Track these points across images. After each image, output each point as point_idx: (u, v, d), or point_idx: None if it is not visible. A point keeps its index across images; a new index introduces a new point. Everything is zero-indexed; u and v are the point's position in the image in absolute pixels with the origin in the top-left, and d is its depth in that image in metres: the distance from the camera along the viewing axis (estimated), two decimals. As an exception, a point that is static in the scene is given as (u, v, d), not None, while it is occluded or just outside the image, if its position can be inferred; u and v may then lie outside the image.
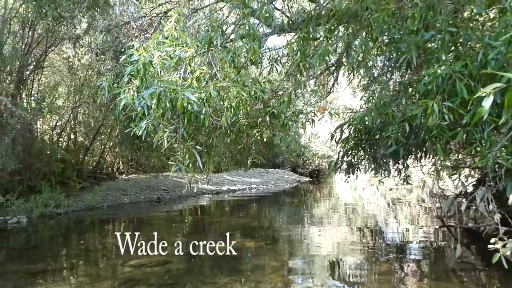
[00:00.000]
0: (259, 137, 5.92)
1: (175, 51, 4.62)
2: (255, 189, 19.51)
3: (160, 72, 5.03)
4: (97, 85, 8.46)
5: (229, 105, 4.74)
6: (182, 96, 4.23)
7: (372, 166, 7.01)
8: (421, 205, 12.72)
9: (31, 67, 13.75)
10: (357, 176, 7.63)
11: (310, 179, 27.01)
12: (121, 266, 5.50)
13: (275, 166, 28.74)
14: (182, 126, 4.59)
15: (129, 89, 4.94)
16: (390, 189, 17.12)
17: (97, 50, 10.86)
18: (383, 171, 6.77)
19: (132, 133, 5.19)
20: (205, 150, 6.74)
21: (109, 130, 16.42)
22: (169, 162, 4.52)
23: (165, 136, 4.65)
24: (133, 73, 4.81)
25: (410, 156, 6.61)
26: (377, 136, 6.97)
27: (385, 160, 6.72)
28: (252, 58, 4.62)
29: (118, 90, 4.89)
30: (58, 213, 11.35)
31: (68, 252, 6.63)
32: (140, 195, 15.01)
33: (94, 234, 8.64)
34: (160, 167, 18.02)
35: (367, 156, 7.37)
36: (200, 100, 4.39)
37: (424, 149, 5.74)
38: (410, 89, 5.29)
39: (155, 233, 7.80)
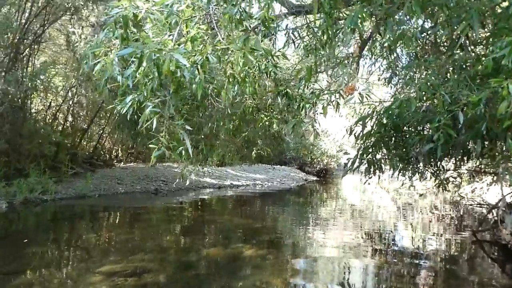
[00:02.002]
0: (267, 123, 4.84)
1: (166, 1, 3.57)
2: (260, 186, 18.47)
3: (150, 34, 4.02)
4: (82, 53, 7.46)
5: (232, 78, 3.69)
6: (170, 58, 3.18)
7: (400, 166, 5.93)
8: (433, 212, 11.61)
9: (28, 41, 12.80)
10: (379, 177, 6.59)
11: (318, 179, 25.90)
12: (89, 273, 4.44)
13: (282, 163, 27.66)
14: (169, 98, 3.55)
15: (107, 51, 3.91)
16: (420, 195, 14.94)
17: (95, 23, 9.89)
18: (414, 173, 5.68)
19: (127, 116, 4.19)
20: (204, 140, 5.73)
21: (108, 114, 15.41)
22: (150, 145, 3.48)
23: (148, 113, 3.62)
24: (111, 30, 3.78)
25: (450, 157, 5.54)
26: (407, 131, 5.94)
27: (418, 160, 5.62)
28: (265, 17, 3.54)
29: (91, 50, 3.86)
30: (44, 200, 10.38)
31: (35, 249, 5.57)
32: (136, 185, 14.03)
33: (75, 227, 7.64)
34: (159, 156, 16.95)
35: (391, 155, 6.31)
36: (194, 65, 3.34)
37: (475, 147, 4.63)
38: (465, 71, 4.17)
39: (143, 231, 6.81)
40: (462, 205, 12.38)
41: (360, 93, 3.68)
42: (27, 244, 5.90)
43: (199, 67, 3.29)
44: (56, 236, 6.59)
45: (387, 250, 6.51)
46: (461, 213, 10.77)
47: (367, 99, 4.35)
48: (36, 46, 13.24)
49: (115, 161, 17.42)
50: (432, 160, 5.42)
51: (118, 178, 14.37)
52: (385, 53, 6.32)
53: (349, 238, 7.08)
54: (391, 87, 7.49)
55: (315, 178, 25.55)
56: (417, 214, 11.32)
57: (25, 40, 12.67)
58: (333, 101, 3.94)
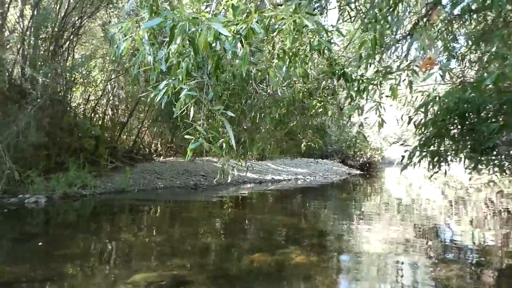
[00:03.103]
0: (321, 110, 4.16)
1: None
2: (302, 180, 17.75)
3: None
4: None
5: (282, 53, 3.05)
6: (208, 28, 2.58)
7: (474, 158, 5.09)
8: (488, 207, 10.51)
9: (67, 34, 12.69)
10: (445, 171, 5.79)
11: (361, 172, 24.85)
12: (120, 282, 3.95)
13: (323, 156, 26.76)
14: (207, 78, 2.96)
15: (135, 26, 3.36)
16: (498, 192, 13.43)
17: (131, 13, 9.51)
18: (493, 167, 4.85)
19: (162, 105, 3.67)
20: (245, 132, 5.13)
21: (147, 107, 15.15)
22: (185, 136, 2.91)
23: (183, 98, 3.05)
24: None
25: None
26: (482, 117, 5.11)
27: (498, 151, 4.77)
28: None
29: (117, 26, 3.33)
30: (84, 195, 10.17)
31: (66, 250, 5.19)
32: (176, 180, 13.70)
33: (112, 225, 7.28)
34: (199, 150, 16.58)
35: (461, 146, 5.49)
36: (237, 37, 2.73)
37: None
38: None
39: (181, 230, 6.35)
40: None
41: (441, 68, 2.94)
42: (61, 244, 5.56)
43: (242, 38, 2.67)
44: (90, 236, 6.23)
45: (444, 249, 5.86)
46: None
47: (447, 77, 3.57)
48: (75, 39, 13.13)
49: (154, 155, 17.23)
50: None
51: (157, 172, 14.10)
52: (446, 29, 5.50)
53: (401, 236, 6.33)
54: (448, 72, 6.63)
55: (358, 172, 24.51)
56: (473, 209, 10.28)
57: (64, 33, 12.57)
58: (405, 80, 3.22)
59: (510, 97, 4.07)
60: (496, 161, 4.79)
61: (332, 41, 3.76)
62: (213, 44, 2.77)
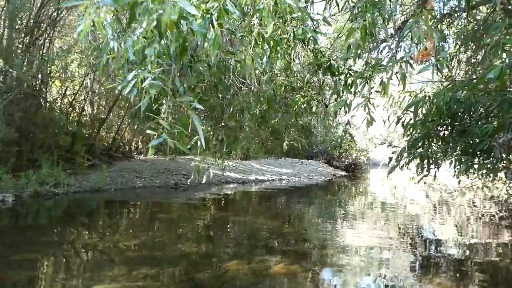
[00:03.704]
0: (304, 106, 3.79)
1: None
2: (286, 181, 17.43)
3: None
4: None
5: (260, 39, 2.68)
6: (173, 4, 2.19)
7: (464, 162, 4.80)
8: (472, 210, 10.34)
9: (44, 26, 12.11)
10: (435, 174, 5.54)
11: (346, 173, 24.68)
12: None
13: (308, 157, 26.49)
14: (175, 64, 2.58)
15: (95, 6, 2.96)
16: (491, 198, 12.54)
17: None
18: (487, 171, 4.56)
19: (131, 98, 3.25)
20: (225, 128, 4.78)
21: (127, 103, 14.62)
22: (147, 131, 2.52)
23: (147, 88, 2.66)
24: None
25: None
26: (475, 117, 4.85)
27: (491, 153, 4.48)
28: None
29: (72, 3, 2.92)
30: (56, 193, 9.65)
31: (25, 255, 4.70)
32: (155, 179, 13.24)
33: (81, 227, 6.79)
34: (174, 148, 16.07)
35: (451, 148, 5.22)
36: (207, 17, 2.34)
37: None
38: None
39: (154, 234, 5.94)
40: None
41: (439, 59, 2.59)
42: (19, 246, 5.09)
43: (213, 18, 2.29)
44: (55, 239, 5.78)
45: (428, 255, 5.66)
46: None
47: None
48: (52, 32, 12.55)
49: (135, 153, 16.71)
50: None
51: (136, 171, 13.63)
52: (435, 28, 5.21)
53: (385, 241, 6.07)
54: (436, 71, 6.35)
55: (343, 173, 24.36)
56: (457, 212, 10.08)
57: (40, 25, 12.00)
58: (397, 73, 2.87)
59: (507, 97, 3.78)
60: (489, 165, 4.49)
61: (318, 30, 3.41)
62: (180, 26, 2.39)
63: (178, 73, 2.80)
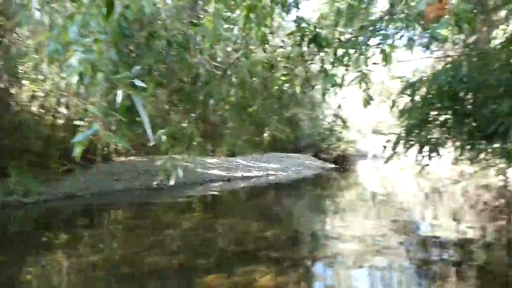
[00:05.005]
0: (286, 87, 3.15)
1: None
2: (274, 176, 16.81)
3: None
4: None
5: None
6: None
7: (473, 147, 4.24)
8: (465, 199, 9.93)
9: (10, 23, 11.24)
10: (436, 163, 5.00)
11: (335, 166, 24.17)
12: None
13: (296, 150, 25.92)
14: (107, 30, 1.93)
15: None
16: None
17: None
18: (501, 156, 3.99)
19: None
20: (196, 120, 4.12)
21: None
22: (76, 123, 1.89)
23: (75, 64, 2.01)
24: None
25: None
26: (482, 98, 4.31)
27: (505, 138, 3.90)
28: None
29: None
30: (25, 203, 8.88)
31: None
32: (135, 181, 12.52)
33: (44, 241, 6.00)
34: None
35: (455, 132, 4.68)
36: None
37: None
38: None
39: (128, 244, 5.28)
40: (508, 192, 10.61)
41: (458, 14, 1.96)
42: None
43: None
44: (11, 256, 5.05)
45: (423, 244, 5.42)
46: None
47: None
48: (19, 29, 11.69)
49: (115, 155, 15.90)
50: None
51: (115, 174, 12.90)
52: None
53: (379, 237, 5.55)
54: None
55: (332, 166, 23.83)
56: (450, 201, 9.65)
57: (7, 22, 11.14)
58: (403, 37, 2.24)
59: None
60: (504, 149, 3.92)
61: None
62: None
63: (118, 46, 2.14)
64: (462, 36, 6.68)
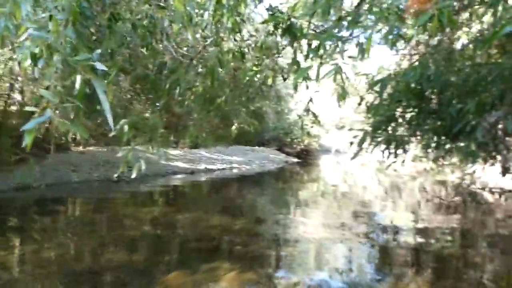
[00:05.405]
0: (257, 78, 3.03)
1: None
2: (237, 169, 16.71)
3: None
4: None
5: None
6: None
7: (441, 146, 4.27)
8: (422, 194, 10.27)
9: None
10: (403, 160, 5.02)
11: (298, 160, 24.36)
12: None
13: (260, 144, 25.91)
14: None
15: None
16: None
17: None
18: (466, 155, 4.03)
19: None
20: (160, 110, 3.95)
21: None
22: (26, 109, 1.68)
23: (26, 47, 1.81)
24: None
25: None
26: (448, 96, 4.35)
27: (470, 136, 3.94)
28: None
29: None
30: (-29, 196, 8.34)
31: None
32: (95, 172, 12.06)
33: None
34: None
35: (423, 130, 4.71)
36: None
37: None
38: None
39: (78, 243, 5.01)
40: (463, 189, 10.98)
41: (440, 9, 1.89)
42: None
43: None
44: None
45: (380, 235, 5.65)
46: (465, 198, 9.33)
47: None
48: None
49: (72, 144, 15.27)
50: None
51: (73, 164, 12.35)
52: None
53: (341, 232, 5.59)
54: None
55: (295, 160, 24.01)
56: (408, 196, 9.95)
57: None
58: (381, 30, 2.17)
59: (499, 67, 3.24)
60: (469, 148, 3.97)
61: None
62: None
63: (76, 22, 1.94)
64: (426, 36, 6.78)
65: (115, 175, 10.19)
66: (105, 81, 1.83)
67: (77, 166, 12.22)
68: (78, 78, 1.59)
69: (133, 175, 3.47)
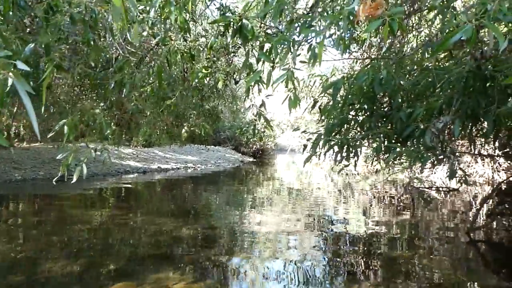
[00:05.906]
0: (207, 80, 2.90)
1: None
2: (192, 169, 16.47)
3: None
4: None
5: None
6: None
7: (392, 150, 4.31)
8: (373, 193, 10.55)
9: None
10: (355, 163, 5.05)
11: (254, 159, 24.43)
12: None
13: (216, 143, 25.75)
14: None
15: None
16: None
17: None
18: (415, 160, 4.08)
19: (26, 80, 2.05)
20: (109, 108, 3.73)
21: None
22: None
23: None
24: None
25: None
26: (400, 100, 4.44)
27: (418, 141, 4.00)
28: None
29: None
30: None
31: None
32: (39, 170, 11.45)
33: None
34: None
35: (374, 134, 4.75)
36: None
37: None
38: None
39: (16, 249, 4.67)
40: (412, 188, 11.36)
41: (391, 16, 1.86)
42: None
43: None
44: None
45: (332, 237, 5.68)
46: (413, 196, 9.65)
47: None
48: None
49: (15, 140, 14.46)
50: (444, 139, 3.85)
51: (15, 161, 11.68)
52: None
53: (292, 228, 5.68)
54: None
55: (251, 159, 24.08)
56: (360, 195, 10.18)
57: None
58: (333, 34, 2.10)
59: (447, 72, 3.29)
60: (419, 152, 4.03)
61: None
62: None
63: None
64: (378, 40, 6.91)
65: (54, 180, 9.75)
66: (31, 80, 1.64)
67: (20, 164, 11.56)
68: (14, 81, 1.40)
69: (74, 179, 3.25)
